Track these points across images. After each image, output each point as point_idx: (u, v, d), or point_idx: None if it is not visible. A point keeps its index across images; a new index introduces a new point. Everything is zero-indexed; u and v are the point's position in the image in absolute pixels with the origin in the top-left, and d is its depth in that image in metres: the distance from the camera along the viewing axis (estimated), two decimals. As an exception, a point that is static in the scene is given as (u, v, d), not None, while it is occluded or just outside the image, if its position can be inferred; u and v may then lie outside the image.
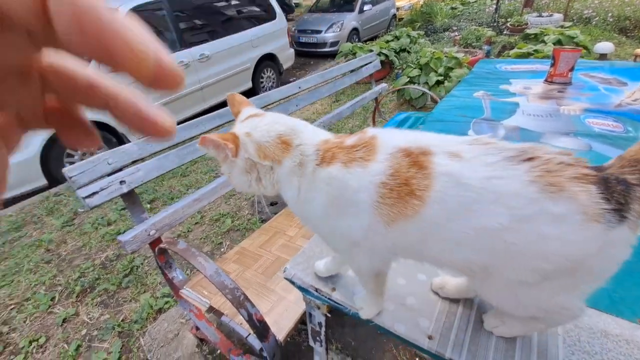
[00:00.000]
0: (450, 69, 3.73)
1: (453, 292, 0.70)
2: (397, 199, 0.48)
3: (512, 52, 4.01)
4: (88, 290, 1.92)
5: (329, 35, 6.93)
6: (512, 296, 0.51)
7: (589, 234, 0.42)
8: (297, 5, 14.14)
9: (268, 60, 5.13)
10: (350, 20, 7.19)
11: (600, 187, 0.42)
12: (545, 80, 1.90)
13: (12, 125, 0.17)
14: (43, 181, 2.99)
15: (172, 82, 0.16)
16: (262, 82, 5.16)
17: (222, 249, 2.13)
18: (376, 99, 2.63)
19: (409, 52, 5.26)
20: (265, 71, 5.18)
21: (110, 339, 1.62)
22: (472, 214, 0.45)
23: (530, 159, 0.44)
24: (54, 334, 1.68)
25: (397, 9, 9.36)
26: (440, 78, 3.68)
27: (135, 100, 0.17)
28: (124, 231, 2.34)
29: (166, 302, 1.76)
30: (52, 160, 2.99)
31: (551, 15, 5.95)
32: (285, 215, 1.68)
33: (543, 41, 4.22)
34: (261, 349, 1.02)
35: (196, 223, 2.41)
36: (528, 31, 5.01)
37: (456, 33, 6.49)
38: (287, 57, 5.52)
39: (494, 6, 6.83)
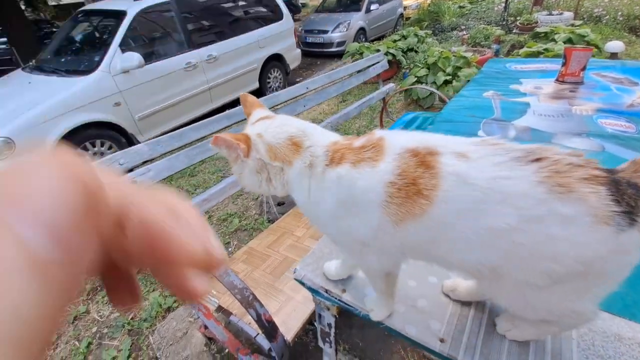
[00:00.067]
0: (459, 68, 3.69)
1: (464, 294, 0.69)
2: (405, 198, 0.48)
3: (521, 51, 3.96)
4: (98, 288, 1.94)
5: (335, 35, 6.92)
6: (521, 299, 0.51)
7: (599, 236, 0.41)
8: (304, 5, 14.16)
9: (275, 60, 5.14)
10: (357, 20, 7.17)
11: (610, 189, 0.41)
12: (557, 80, 1.87)
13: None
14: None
15: (216, 267, 0.20)
16: (268, 83, 5.17)
17: (230, 249, 2.15)
18: (384, 99, 2.62)
19: (416, 51, 5.22)
20: (272, 71, 5.19)
21: (120, 336, 1.65)
22: (479, 214, 0.45)
23: (538, 160, 0.44)
24: (65, 331, 1.70)
25: (404, 8, 9.30)
26: (448, 77, 3.65)
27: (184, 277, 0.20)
28: (134, 230, 2.38)
29: (175, 301, 1.77)
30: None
31: (561, 14, 5.86)
32: (293, 215, 1.68)
33: (553, 40, 4.16)
34: (270, 349, 1.03)
35: (204, 223, 2.42)
36: (538, 30, 4.94)
37: (464, 32, 6.43)
38: (293, 57, 5.53)
39: (503, 4, 6.75)
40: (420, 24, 7.77)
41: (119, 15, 3.57)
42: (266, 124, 0.60)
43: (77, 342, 1.64)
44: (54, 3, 10.62)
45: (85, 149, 3.21)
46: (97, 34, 3.99)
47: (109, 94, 3.27)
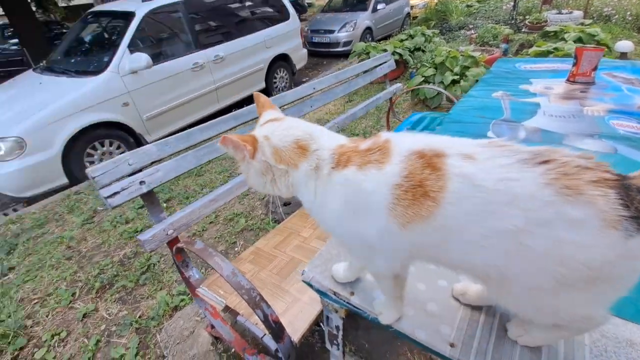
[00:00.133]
0: (467, 68, 3.66)
1: (475, 299, 0.68)
2: (411, 200, 0.48)
3: (531, 50, 3.90)
4: (107, 286, 1.96)
5: (342, 35, 6.91)
6: (530, 303, 0.50)
7: (607, 241, 0.41)
8: (310, 5, 14.16)
9: (281, 60, 5.15)
10: (363, 19, 7.15)
11: (620, 193, 0.41)
12: (567, 80, 1.84)
13: None
14: (64, 180, 3.08)
15: None
16: (275, 83, 5.19)
17: (236, 248, 2.15)
18: (390, 99, 2.60)
19: (423, 51, 5.19)
20: (279, 71, 5.20)
21: (128, 334, 1.66)
22: (486, 216, 0.45)
23: (546, 162, 0.43)
24: (74, 329, 1.73)
25: (411, 7, 9.27)
26: (456, 77, 3.62)
27: None
28: (142, 229, 2.41)
29: (182, 300, 1.79)
30: (72, 160, 3.08)
31: (571, 13, 5.77)
32: (299, 216, 1.68)
33: (563, 39, 4.10)
34: (276, 350, 1.03)
35: (211, 222, 2.44)
36: (547, 29, 4.87)
37: (472, 31, 6.36)
38: (300, 57, 5.53)
39: (512, 3, 6.67)
40: (428, 23, 7.72)
41: (128, 16, 3.61)
42: (274, 127, 0.61)
43: (85, 340, 1.66)
44: (64, 4, 10.76)
45: (95, 148, 3.26)
46: (106, 35, 4.04)
47: (118, 94, 3.31)
